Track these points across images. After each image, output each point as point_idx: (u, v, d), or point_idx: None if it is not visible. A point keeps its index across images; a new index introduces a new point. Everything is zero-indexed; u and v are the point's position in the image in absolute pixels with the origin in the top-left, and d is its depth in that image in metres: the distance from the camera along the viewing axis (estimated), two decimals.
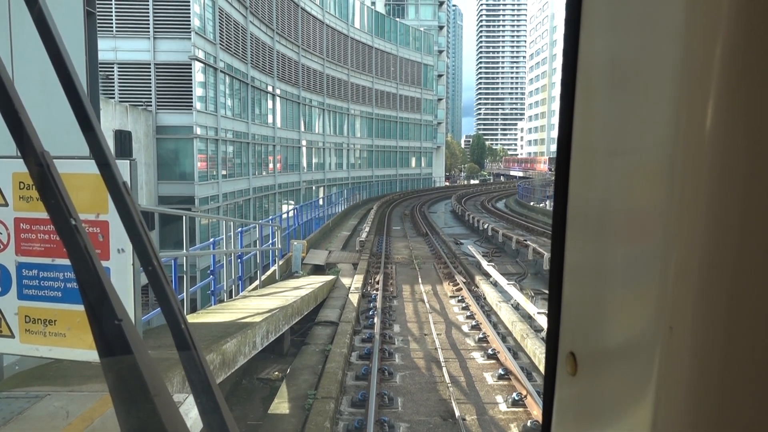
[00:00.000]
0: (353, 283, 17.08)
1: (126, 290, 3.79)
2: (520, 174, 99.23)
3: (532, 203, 50.27)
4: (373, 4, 67.39)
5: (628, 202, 0.54)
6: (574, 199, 0.64)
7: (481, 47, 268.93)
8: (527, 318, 13.17)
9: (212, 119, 29.77)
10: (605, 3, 0.57)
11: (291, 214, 23.90)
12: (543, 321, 12.48)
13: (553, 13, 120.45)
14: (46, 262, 3.80)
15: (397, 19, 68.57)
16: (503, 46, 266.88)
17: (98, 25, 7.34)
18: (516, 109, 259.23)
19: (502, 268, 20.50)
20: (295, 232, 22.95)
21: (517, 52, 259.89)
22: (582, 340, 0.63)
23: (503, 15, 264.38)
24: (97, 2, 7.24)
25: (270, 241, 17.40)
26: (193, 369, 0.99)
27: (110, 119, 22.96)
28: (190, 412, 2.82)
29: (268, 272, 15.99)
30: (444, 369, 10.29)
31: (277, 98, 41.26)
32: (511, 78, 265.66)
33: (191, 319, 8.09)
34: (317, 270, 19.74)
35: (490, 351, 11.21)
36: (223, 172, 31.22)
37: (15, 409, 3.83)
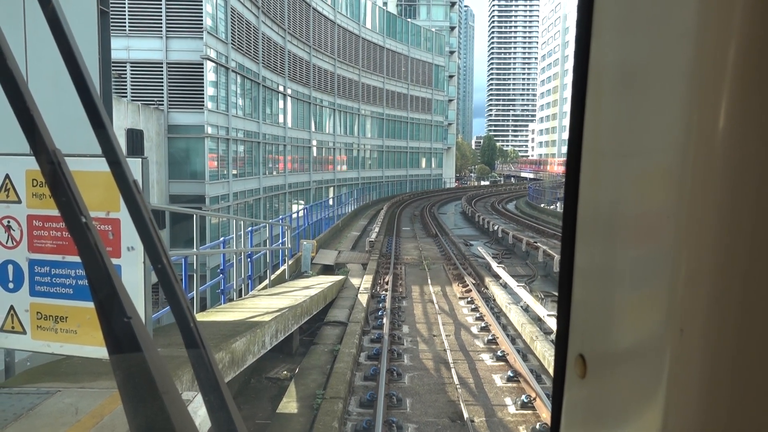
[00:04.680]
0: (362, 283, 17.08)
1: (136, 288, 3.81)
2: (531, 176, 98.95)
3: (542, 205, 50.13)
4: (385, 4, 67.47)
5: (638, 205, 0.54)
6: (584, 201, 0.64)
7: (492, 48, 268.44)
8: (537, 320, 13.13)
9: (223, 119, 29.87)
10: (616, 4, 0.57)
11: (301, 213, 23.94)
12: (553, 323, 12.43)
13: (566, 14, 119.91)
14: (57, 259, 3.83)
15: (409, 20, 68.54)
16: (515, 48, 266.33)
17: (111, 24, 7.38)
18: (527, 110, 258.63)
19: (512, 270, 20.45)
20: (305, 232, 22.99)
21: (529, 53, 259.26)
22: (591, 343, 0.63)
23: (515, 16, 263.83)
24: (111, 1, 7.28)
25: (280, 241, 17.44)
26: (201, 367, 0.99)
27: (122, 118, 23.10)
28: (198, 410, 2.83)
29: (278, 272, 16.03)
30: (453, 370, 10.27)
31: (288, 98, 41.36)
32: (523, 79, 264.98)
33: (201, 317, 8.12)
34: (327, 270, 19.76)
35: (499, 353, 11.18)
36: (234, 172, 31.32)
37: (26, 404, 3.86)
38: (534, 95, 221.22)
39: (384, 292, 16.59)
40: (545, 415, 8.33)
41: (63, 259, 3.83)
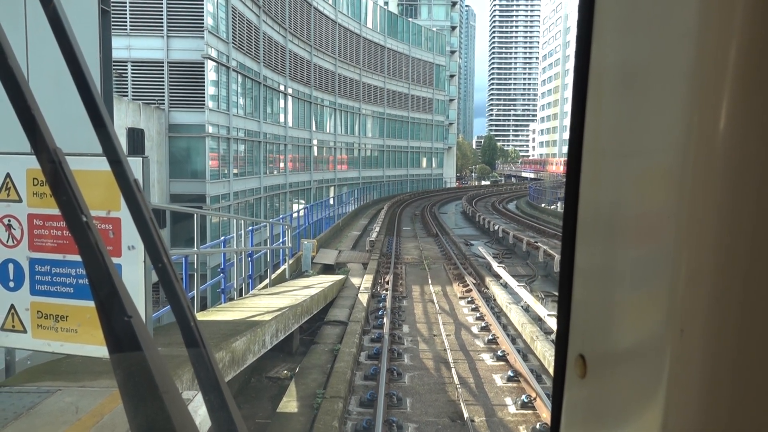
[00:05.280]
0: (363, 282, 17.08)
1: (136, 287, 3.81)
2: (532, 175, 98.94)
3: (543, 205, 50.13)
4: (386, 4, 67.42)
5: (639, 205, 0.54)
6: (584, 202, 0.63)
7: (493, 48, 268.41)
8: (537, 320, 13.13)
9: (224, 118, 29.88)
10: (618, 5, 0.57)
11: (301, 213, 23.94)
12: (553, 323, 12.43)
13: (567, 14, 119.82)
14: (57, 258, 3.83)
15: (410, 19, 68.53)
16: (516, 47, 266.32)
17: (112, 23, 7.39)
18: (528, 110, 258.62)
19: (512, 270, 20.44)
20: (306, 232, 22.99)
21: (530, 53, 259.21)
22: (592, 343, 0.63)
23: (516, 16, 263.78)
24: (112, 0, 7.29)
25: (280, 240, 17.44)
26: (201, 367, 0.99)
27: (123, 117, 23.10)
28: (198, 409, 2.83)
29: (278, 271, 16.03)
30: (453, 370, 10.27)
31: (289, 97, 41.36)
32: (524, 79, 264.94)
33: (201, 317, 8.12)
34: (327, 269, 19.77)
35: (499, 353, 11.18)
36: (235, 171, 31.34)
37: (26, 403, 3.86)
38: (535, 95, 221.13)
39: (384, 292, 16.59)
40: (545, 415, 8.33)
41: (63, 258, 3.83)
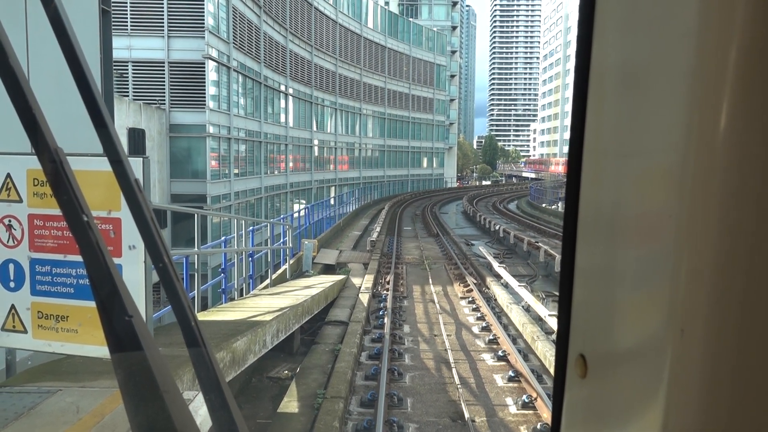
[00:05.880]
0: (363, 282, 17.08)
1: (137, 287, 3.81)
2: (533, 175, 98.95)
3: (543, 205, 50.13)
4: (387, 3, 67.44)
5: (639, 205, 0.54)
6: (585, 201, 0.63)
7: (494, 48, 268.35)
8: (538, 320, 13.12)
9: (225, 118, 29.88)
10: (618, 4, 0.57)
11: (302, 213, 23.95)
12: (554, 323, 12.42)
13: (568, 14, 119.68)
14: (58, 258, 3.83)
15: (411, 19, 68.52)
16: (517, 47, 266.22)
17: (113, 23, 7.39)
18: (529, 110, 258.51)
19: (513, 270, 20.44)
20: (306, 232, 22.98)
21: (531, 52, 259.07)
22: (592, 343, 0.63)
23: (517, 15, 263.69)
24: (113, 0, 7.29)
25: (281, 240, 17.43)
26: (202, 366, 0.99)
27: (124, 117, 23.11)
28: (199, 409, 2.83)
29: (279, 271, 16.03)
30: (454, 370, 10.27)
31: (290, 97, 41.36)
32: (525, 79, 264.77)
33: (202, 317, 8.12)
34: (328, 269, 19.77)
35: (500, 353, 11.17)
36: (235, 171, 31.34)
37: (27, 403, 3.86)
38: (536, 95, 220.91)
39: (385, 292, 16.59)
40: (546, 415, 8.33)
41: (64, 258, 3.83)
